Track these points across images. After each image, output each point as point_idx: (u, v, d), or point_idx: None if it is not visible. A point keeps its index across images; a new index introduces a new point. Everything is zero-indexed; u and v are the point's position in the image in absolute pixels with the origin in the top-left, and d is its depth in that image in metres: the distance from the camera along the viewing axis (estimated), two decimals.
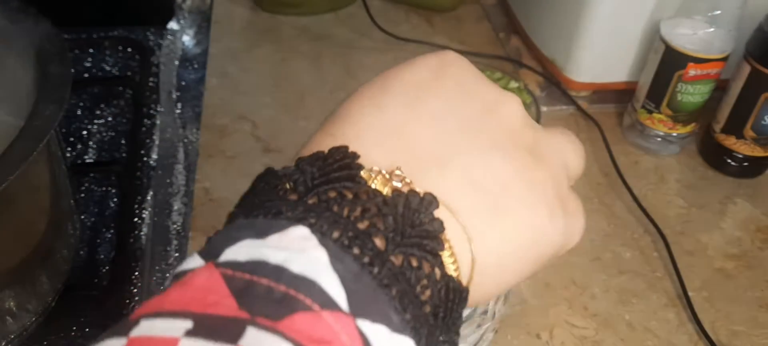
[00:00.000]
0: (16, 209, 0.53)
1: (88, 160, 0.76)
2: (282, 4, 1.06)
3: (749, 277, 0.73)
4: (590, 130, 0.88)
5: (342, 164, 0.30)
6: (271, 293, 0.25)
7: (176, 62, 0.92)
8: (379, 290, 0.27)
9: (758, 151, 0.81)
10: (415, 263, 0.29)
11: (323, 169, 0.30)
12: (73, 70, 0.53)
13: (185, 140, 0.81)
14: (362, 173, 0.30)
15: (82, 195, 0.72)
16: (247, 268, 0.26)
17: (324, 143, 0.33)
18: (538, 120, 0.83)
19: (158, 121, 0.80)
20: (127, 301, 0.62)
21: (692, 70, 0.78)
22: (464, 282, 0.31)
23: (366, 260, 0.28)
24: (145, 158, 0.74)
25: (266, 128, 0.85)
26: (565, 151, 0.37)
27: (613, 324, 0.67)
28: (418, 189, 0.30)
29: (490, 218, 0.32)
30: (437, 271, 0.29)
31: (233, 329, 0.24)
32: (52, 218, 0.58)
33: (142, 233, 0.67)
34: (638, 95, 0.85)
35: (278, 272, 0.26)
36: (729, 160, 0.83)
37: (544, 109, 0.89)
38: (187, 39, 0.97)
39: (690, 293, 0.70)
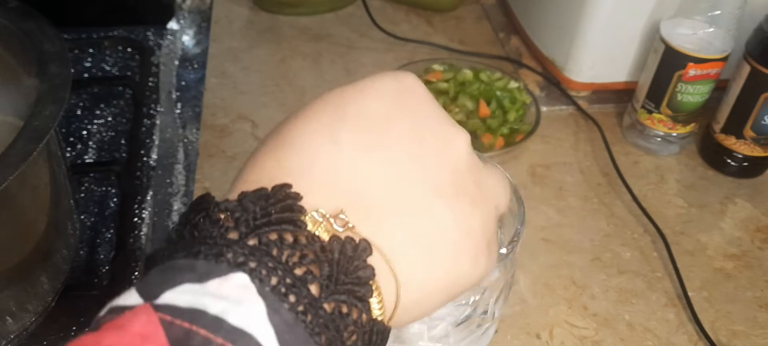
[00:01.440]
0: (16, 209, 0.53)
1: (88, 160, 0.76)
2: (282, 4, 1.06)
3: (749, 277, 0.73)
4: (590, 130, 0.88)
5: (284, 205, 0.31)
6: (209, 345, 0.26)
7: (176, 62, 0.92)
8: (309, 341, 0.28)
9: (758, 151, 0.81)
10: (345, 310, 0.30)
11: (265, 209, 0.30)
12: (73, 70, 0.53)
13: (185, 140, 0.81)
14: (306, 216, 0.31)
15: (82, 195, 0.72)
16: (187, 316, 0.26)
17: (269, 170, 0.33)
18: (538, 120, 0.84)
19: (158, 121, 0.80)
20: None
21: (692, 70, 0.78)
22: (386, 321, 0.33)
23: (300, 308, 0.28)
24: (145, 158, 0.74)
25: (266, 128, 0.85)
26: (498, 192, 0.39)
27: (612, 324, 0.67)
28: (358, 233, 0.31)
29: (421, 265, 0.34)
30: (364, 316, 0.31)
31: None
32: (52, 218, 0.58)
33: (142, 233, 0.67)
34: (638, 95, 0.85)
35: (217, 324, 0.26)
36: (729, 160, 0.83)
37: (543, 109, 0.89)
38: (187, 39, 0.97)
39: (690, 293, 0.69)
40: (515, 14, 1.05)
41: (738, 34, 0.77)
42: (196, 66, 0.92)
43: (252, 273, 0.28)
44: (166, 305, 0.27)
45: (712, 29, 0.77)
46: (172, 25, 0.97)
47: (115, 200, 0.72)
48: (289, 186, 0.31)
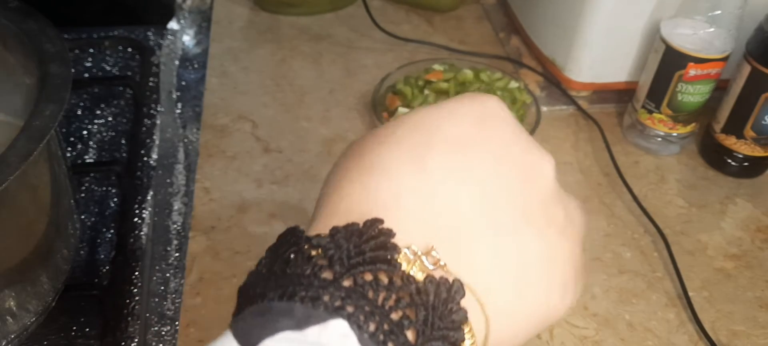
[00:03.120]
0: (17, 209, 0.53)
1: (88, 160, 0.76)
2: (282, 4, 1.06)
3: (749, 277, 0.73)
4: (590, 130, 0.88)
5: (378, 243, 0.30)
6: None
7: (176, 62, 0.92)
8: None
9: (758, 151, 0.81)
10: None
11: (359, 247, 0.30)
12: (73, 70, 0.53)
13: (185, 140, 0.81)
14: (399, 255, 0.30)
15: (83, 195, 0.72)
16: None
17: (357, 200, 0.33)
18: (538, 120, 0.83)
19: (158, 121, 0.80)
20: (128, 301, 0.61)
21: (692, 70, 0.78)
22: None
23: None
24: (145, 158, 0.74)
25: (266, 128, 0.85)
26: (582, 219, 0.38)
27: (613, 324, 0.67)
28: (449, 271, 0.31)
29: (511, 298, 0.33)
30: None
31: None
32: (53, 218, 0.58)
33: (142, 233, 0.67)
34: (638, 95, 0.85)
35: None
36: (729, 160, 0.83)
37: (544, 109, 0.89)
38: (188, 39, 0.97)
39: (690, 293, 0.69)
40: (515, 14, 1.05)
41: (738, 34, 0.77)
42: (196, 66, 0.92)
43: (350, 319, 0.28)
44: None
45: (712, 29, 0.77)
46: (173, 25, 0.97)
47: (115, 199, 0.72)
48: (381, 221, 0.31)
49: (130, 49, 0.90)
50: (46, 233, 0.57)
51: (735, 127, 0.80)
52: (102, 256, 0.67)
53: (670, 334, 0.67)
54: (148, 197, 0.71)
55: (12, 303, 0.54)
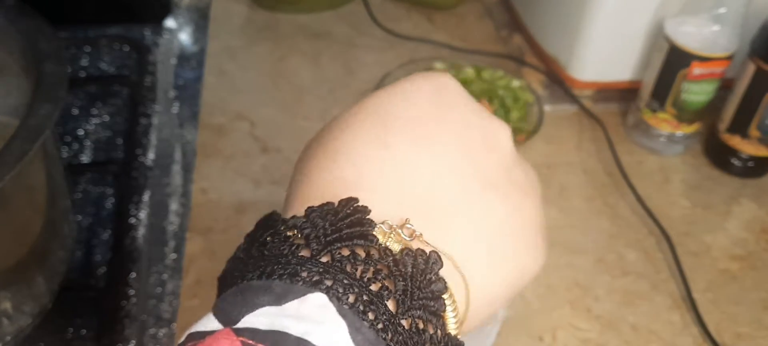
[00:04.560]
0: (12, 210, 0.52)
1: (84, 160, 0.75)
2: (281, 2, 1.05)
3: (754, 278, 0.72)
4: (594, 130, 0.88)
5: (354, 220, 0.31)
6: None
7: (173, 61, 0.91)
8: None
9: (763, 151, 0.81)
10: (421, 326, 0.30)
11: (335, 224, 0.30)
12: (69, 69, 0.53)
13: (182, 140, 0.80)
14: (374, 230, 0.31)
15: (79, 195, 0.71)
16: (269, 339, 0.26)
17: (327, 185, 0.33)
18: (541, 120, 0.83)
19: (155, 121, 0.79)
20: (124, 302, 0.61)
21: (697, 69, 0.77)
22: (459, 331, 0.33)
23: (380, 326, 0.28)
24: (141, 158, 0.74)
25: (264, 127, 0.85)
26: (537, 180, 0.39)
27: (616, 326, 0.67)
28: (426, 241, 0.31)
29: (486, 263, 0.34)
30: (439, 332, 0.31)
31: None
32: (48, 219, 0.57)
33: (138, 234, 0.67)
34: (642, 94, 0.85)
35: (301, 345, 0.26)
36: (734, 160, 0.82)
37: (546, 108, 0.88)
38: (185, 37, 0.96)
39: (694, 295, 0.69)
40: (518, 11, 1.04)
41: (743, 32, 0.77)
42: (193, 64, 0.92)
43: (329, 291, 0.28)
44: (247, 328, 0.27)
45: (717, 27, 0.77)
46: (170, 22, 0.96)
47: (111, 200, 0.71)
48: (355, 200, 0.31)
49: (126, 48, 0.89)
50: (41, 233, 0.56)
51: (740, 126, 0.80)
52: (98, 257, 0.66)
53: (675, 336, 0.66)
54: (145, 198, 0.70)
55: (8, 305, 0.54)
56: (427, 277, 0.30)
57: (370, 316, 0.28)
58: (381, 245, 0.30)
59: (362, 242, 0.30)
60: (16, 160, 0.46)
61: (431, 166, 0.34)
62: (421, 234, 0.31)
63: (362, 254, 0.30)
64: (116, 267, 0.64)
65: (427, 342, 0.30)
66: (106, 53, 0.88)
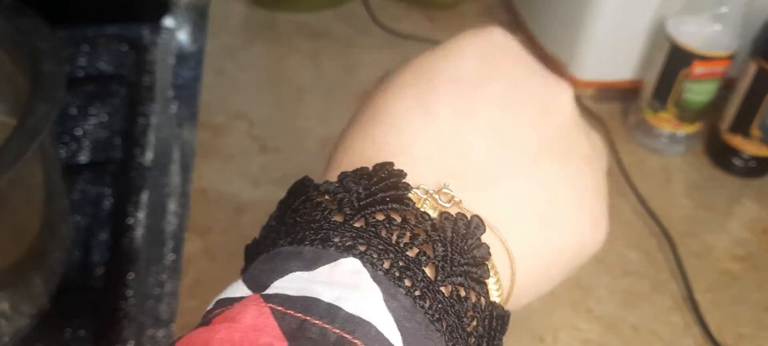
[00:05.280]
0: (9, 210, 0.52)
1: (82, 160, 0.75)
2: (280, 1, 1.05)
3: (756, 279, 0.72)
4: (595, 130, 0.87)
5: (388, 183, 0.29)
6: (326, 336, 0.24)
7: (172, 60, 0.91)
8: (430, 327, 0.27)
9: (765, 151, 0.80)
10: (463, 294, 0.28)
11: (369, 189, 0.29)
12: (67, 69, 0.52)
13: (181, 139, 0.80)
14: (410, 194, 0.29)
15: (77, 196, 0.71)
16: (299, 305, 0.25)
17: (365, 151, 0.32)
18: None
19: (153, 120, 0.79)
20: (122, 303, 0.61)
21: (698, 68, 0.77)
22: (505, 304, 0.31)
23: (417, 293, 0.27)
24: (140, 158, 0.73)
25: (263, 127, 0.84)
26: (604, 149, 0.37)
27: (617, 327, 0.66)
28: (466, 208, 0.30)
29: (535, 235, 0.31)
30: (483, 300, 0.29)
31: None
32: (46, 219, 0.57)
33: (137, 234, 0.67)
34: (644, 94, 0.84)
35: (332, 312, 0.25)
36: (736, 160, 0.82)
37: None
38: (183, 36, 0.96)
39: (696, 296, 0.69)
40: (518, 10, 1.04)
41: (745, 32, 0.77)
42: (192, 64, 0.91)
43: (362, 257, 0.27)
44: (276, 294, 0.26)
45: (718, 27, 0.77)
46: (168, 21, 0.96)
47: (109, 200, 0.71)
48: (390, 164, 0.30)
49: (124, 47, 0.89)
50: (39, 234, 0.56)
51: (741, 126, 0.80)
52: (96, 257, 0.66)
53: (676, 337, 0.66)
54: (143, 198, 0.70)
55: (5, 306, 0.54)
56: (469, 242, 0.29)
57: (407, 282, 0.27)
58: (418, 209, 0.29)
59: (398, 206, 0.28)
60: (14, 160, 0.45)
61: (475, 132, 0.32)
62: (460, 200, 0.30)
63: (398, 218, 0.28)
64: (114, 268, 0.64)
65: (470, 311, 0.28)
66: (104, 53, 0.88)
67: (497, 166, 0.31)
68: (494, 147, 0.32)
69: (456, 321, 0.28)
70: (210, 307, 0.28)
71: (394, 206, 0.28)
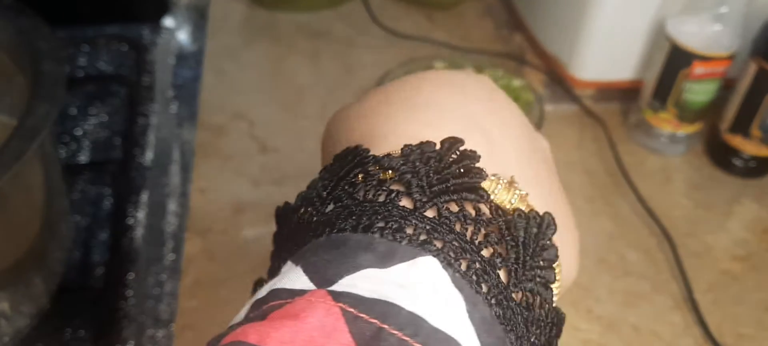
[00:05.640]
0: (10, 210, 0.52)
1: (82, 160, 0.75)
2: (280, 1, 1.05)
3: (756, 279, 0.72)
4: (595, 130, 0.87)
5: (461, 168, 0.27)
6: None
7: (172, 60, 0.91)
8: (505, 340, 0.25)
9: (765, 151, 0.80)
10: (531, 300, 0.27)
11: (440, 172, 0.27)
12: (67, 69, 0.52)
13: (181, 140, 0.80)
14: (484, 183, 0.27)
15: (77, 196, 0.71)
16: (375, 311, 0.22)
17: (421, 131, 0.29)
18: (542, 119, 0.83)
19: (153, 120, 0.79)
20: (122, 303, 0.61)
21: (698, 69, 0.77)
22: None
23: (493, 301, 0.25)
24: (139, 158, 0.73)
25: (263, 127, 0.84)
26: None
27: (618, 327, 0.66)
28: (531, 205, 0.28)
29: (564, 248, 0.30)
30: (547, 306, 0.27)
31: None
32: (46, 219, 0.57)
33: (136, 235, 0.66)
34: (644, 94, 0.84)
35: (415, 325, 0.22)
36: (735, 160, 0.82)
37: (547, 107, 0.88)
38: (183, 36, 0.96)
39: (696, 296, 0.69)
40: (518, 10, 1.04)
41: (745, 32, 0.76)
42: (192, 64, 0.91)
43: (439, 255, 0.25)
44: (348, 293, 0.23)
45: (718, 27, 0.76)
46: (168, 21, 0.96)
47: (109, 200, 0.71)
48: (461, 142, 0.28)
49: (124, 47, 0.89)
50: (39, 234, 0.56)
51: (741, 126, 0.80)
52: (96, 257, 0.66)
53: (676, 337, 0.66)
54: (143, 198, 0.70)
55: (5, 306, 0.54)
56: (541, 243, 0.27)
57: (484, 288, 0.25)
58: (492, 202, 0.27)
59: (472, 196, 0.26)
60: (14, 160, 0.46)
61: (510, 142, 0.31)
62: (527, 194, 0.28)
63: (472, 211, 0.26)
64: (114, 268, 0.64)
65: (537, 319, 0.27)
66: (104, 53, 0.88)
67: (534, 178, 0.31)
68: (522, 160, 0.31)
69: (524, 330, 0.26)
70: (262, 295, 0.25)
71: (468, 195, 0.27)
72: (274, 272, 0.28)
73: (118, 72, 0.86)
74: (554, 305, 0.28)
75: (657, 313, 0.68)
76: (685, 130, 0.83)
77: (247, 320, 0.23)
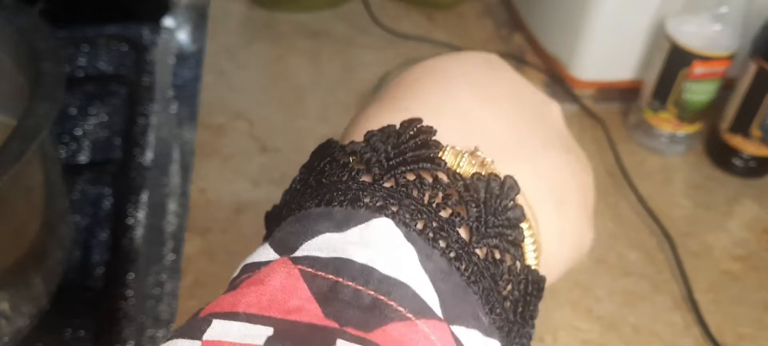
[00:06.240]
0: (9, 210, 0.52)
1: (82, 160, 0.75)
2: (280, 1, 1.05)
3: (756, 279, 0.72)
4: (595, 130, 0.87)
5: (418, 141, 0.28)
6: (360, 298, 0.23)
7: (172, 60, 0.91)
8: (467, 290, 0.26)
9: (765, 151, 0.80)
10: (498, 256, 0.27)
11: (398, 147, 0.28)
12: (67, 69, 0.52)
13: (181, 140, 0.80)
14: (442, 153, 0.29)
15: (76, 196, 0.71)
16: (331, 267, 0.24)
17: (392, 117, 0.31)
18: None
19: (153, 120, 0.79)
20: (122, 303, 0.61)
21: (698, 68, 0.77)
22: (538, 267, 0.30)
23: (452, 255, 0.26)
24: (139, 158, 0.73)
25: (263, 127, 0.84)
26: (591, 170, 0.38)
27: (617, 327, 0.66)
28: (497, 170, 0.29)
29: (553, 212, 0.31)
30: (518, 263, 0.28)
31: (320, 340, 0.22)
32: (46, 219, 0.57)
33: (136, 235, 0.66)
34: (643, 94, 0.84)
35: (366, 273, 0.24)
36: (735, 160, 0.82)
37: None
38: (183, 36, 0.96)
39: (696, 296, 0.69)
40: (518, 10, 1.04)
41: (745, 32, 0.76)
42: (192, 64, 0.91)
43: (395, 217, 0.26)
44: (306, 256, 0.25)
45: (718, 27, 0.76)
46: (168, 22, 0.96)
47: (109, 200, 0.71)
48: (419, 120, 0.29)
49: (124, 47, 0.89)
50: (39, 234, 0.56)
51: (741, 126, 0.79)
52: (96, 258, 0.66)
53: (676, 337, 0.66)
54: (143, 198, 0.70)
55: (5, 306, 0.54)
56: (503, 203, 0.28)
57: (441, 244, 0.26)
58: (449, 168, 0.28)
59: (429, 165, 0.28)
60: (14, 161, 0.46)
61: (493, 115, 0.32)
62: (492, 161, 0.29)
63: (429, 178, 0.28)
64: (114, 268, 0.64)
65: (506, 273, 0.27)
66: (104, 52, 0.88)
67: (516, 145, 0.32)
68: (511, 130, 0.32)
69: (491, 284, 0.27)
70: (236, 273, 0.27)
71: (425, 165, 0.28)
72: None
73: (118, 72, 0.86)
74: (533, 263, 0.29)
75: (657, 313, 0.68)
76: (685, 130, 0.83)
77: (222, 294, 0.26)
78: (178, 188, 0.74)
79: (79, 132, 0.77)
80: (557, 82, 0.92)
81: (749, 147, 0.80)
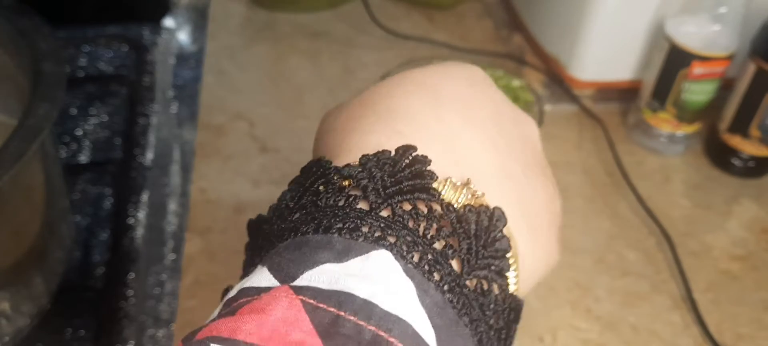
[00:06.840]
0: (10, 210, 0.52)
1: (82, 161, 0.75)
2: (280, 1, 1.05)
3: (755, 278, 0.72)
4: (594, 130, 0.87)
5: (414, 171, 0.29)
6: (361, 333, 0.24)
7: (172, 60, 0.91)
8: (459, 323, 0.27)
9: (764, 151, 0.80)
10: (486, 286, 0.28)
11: (394, 175, 0.29)
12: (67, 69, 0.52)
13: (181, 140, 0.80)
14: (436, 184, 0.29)
15: (77, 196, 0.71)
16: (333, 300, 0.25)
17: (385, 139, 0.32)
18: (541, 119, 0.83)
19: (154, 121, 0.79)
20: (122, 303, 0.61)
21: (697, 69, 0.77)
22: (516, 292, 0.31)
23: (446, 287, 0.27)
24: (140, 158, 0.73)
25: (263, 127, 0.84)
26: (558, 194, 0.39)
27: (617, 327, 0.66)
28: (487, 203, 0.30)
29: (528, 236, 0.32)
30: (502, 293, 0.29)
31: None
32: (47, 219, 0.57)
33: (137, 234, 0.66)
34: (643, 94, 0.84)
35: (368, 309, 0.25)
36: (734, 160, 0.82)
37: (547, 107, 0.88)
38: (183, 36, 0.96)
39: (695, 295, 0.69)
40: (518, 11, 1.04)
41: (744, 32, 0.76)
42: (192, 64, 0.91)
43: (393, 249, 0.27)
44: (308, 286, 0.25)
45: (717, 27, 0.76)
46: (168, 22, 0.96)
47: (110, 200, 0.71)
48: (413, 148, 0.30)
49: (125, 47, 0.89)
50: (40, 234, 0.56)
51: (740, 126, 0.80)
52: (97, 257, 0.66)
53: (675, 337, 0.66)
54: (144, 198, 0.70)
55: (6, 306, 0.54)
56: (492, 235, 0.29)
57: (436, 276, 0.27)
58: (443, 200, 0.29)
59: (424, 196, 0.29)
60: (14, 160, 0.46)
61: (480, 145, 0.33)
62: (483, 194, 0.30)
63: (424, 209, 0.29)
64: (115, 268, 0.64)
65: (492, 303, 0.29)
66: (105, 53, 0.88)
67: (500, 174, 0.32)
68: (496, 158, 0.33)
69: (480, 314, 0.28)
70: (232, 294, 0.27)
71: (420, 195, 0.29)
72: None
73: (119, 72, 0.86)
74: (511, 292, 0.30)
75: (656, 312, 0.68)
76: (684, 130, 0.83)
77: (219, 316, 0.25)
78: (178, 188, 0.74)
79: (79, 132, 0.77)
80: (556, 82, 0.92)
81: (748, 147, 0.80)
